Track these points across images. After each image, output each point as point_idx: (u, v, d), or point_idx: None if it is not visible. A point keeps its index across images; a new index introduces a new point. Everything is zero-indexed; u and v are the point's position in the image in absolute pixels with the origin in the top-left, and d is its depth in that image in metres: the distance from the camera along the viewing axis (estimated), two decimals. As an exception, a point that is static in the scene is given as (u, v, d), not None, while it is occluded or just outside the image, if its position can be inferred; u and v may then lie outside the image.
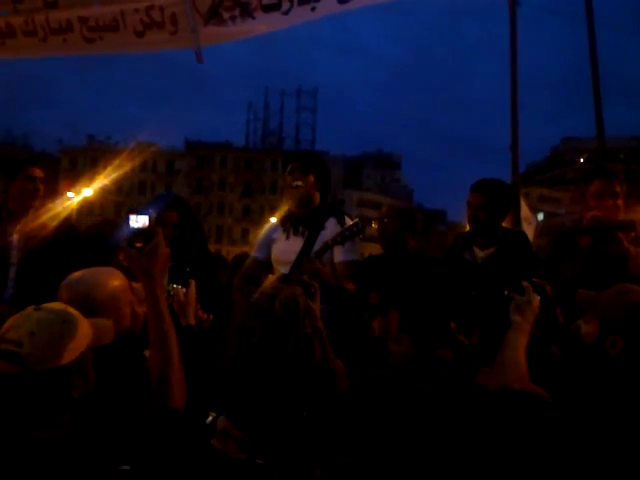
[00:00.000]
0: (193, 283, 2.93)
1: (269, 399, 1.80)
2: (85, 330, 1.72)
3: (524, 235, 3.78)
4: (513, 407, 1.97)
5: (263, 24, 4.09)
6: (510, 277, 2.29)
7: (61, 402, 1.65)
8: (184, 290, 2.89)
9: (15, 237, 3.87)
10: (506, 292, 2.23)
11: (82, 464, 1.55)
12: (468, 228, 3.64)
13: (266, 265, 3.85)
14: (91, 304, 2.21)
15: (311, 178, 3.71)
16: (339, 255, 3.54)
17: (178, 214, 3.72)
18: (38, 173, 3.97)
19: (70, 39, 4.29)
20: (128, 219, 1.99)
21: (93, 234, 3.93)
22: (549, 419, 1.97)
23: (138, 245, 1.97)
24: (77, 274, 2.35)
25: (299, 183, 3.68)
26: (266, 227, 4.02)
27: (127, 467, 1.69)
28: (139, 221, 1.99)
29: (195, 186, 66.35)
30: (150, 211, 2.04)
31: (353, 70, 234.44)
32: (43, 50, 4.49)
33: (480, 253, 3.49)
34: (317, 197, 3.76)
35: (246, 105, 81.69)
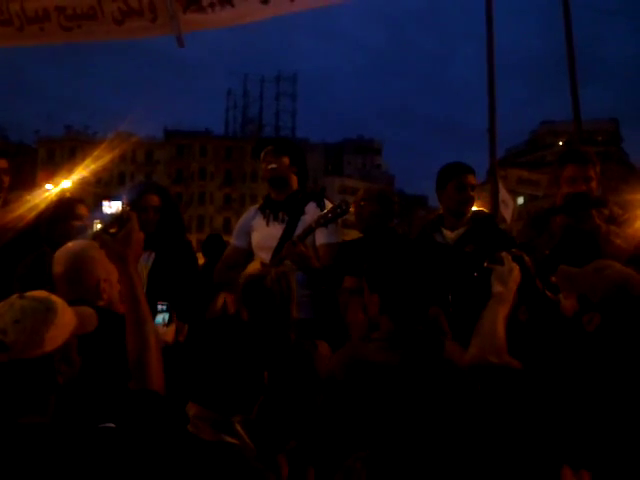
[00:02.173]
0: (173, 328, 2.88)
1: (229, 365, 1.80)
2: (68, 318, 1.73)
3: (491, 215, 3.88)
4: (489, 380, 2.01)
5: (243, 12, 4.08)
6: (485, 253, 2.32)
7: (46, 388, 1.67)
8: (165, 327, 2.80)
9: None
10: (485, 264, 2.25)
11: (67, 449, 1.56)
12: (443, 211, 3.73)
13: (246, 252, 3.84)
14: (83, 268, 2.46)
15: (285, 160, 3.71)
16: (321, 238, 3.54)
17: (160, 198, 3.71)
18: (2, 164, 3.89)
19: (47, 28, 4.23)
20: (101, 205, 1.99)
21: (55, 215, 3.80)
22: (524, 393, 2.01)
23: (112, 231, 1.99)
24: (69, 244, 2.59)
25: (273, 165, 3.69)
26: (244, 214, 4.02)
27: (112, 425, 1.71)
28: (112, 207, 2.00)
29: (175, 176, 65.83)
30: (123, 197, 2.06)
31: (332, 56, 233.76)
32: (20, 39, 4.43)
33: (451, 234, 3.58)
34: (294, 181, 3.76)
35: (225, 93, 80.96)
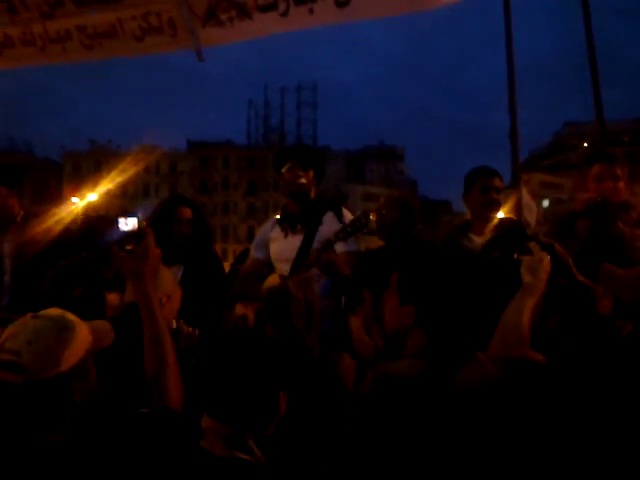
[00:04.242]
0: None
1: (246, 381, 1.77)
2: (83, 336, 1.73)
3: (518, 221, 3.86)
4: (509, 375, 1.95)
5: (262, 25, 4.09)
6: (513, 259, 2.27)
7: (62, 408, 1.67)
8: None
9: (6, 245, 3.85)
10: (515, 255, 2.18)
11: (85, 467, 1.57)
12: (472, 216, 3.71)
13: (265, 264, 3.84)
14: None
15: (311, 173, 3.68)
16: (341, 246, 3.46)
17: (192, 211, 3.75)
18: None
19: (69, 47, 4.32)
20: (117, 222, 2.00)
21: (86, 231, 3.90)
22: (544, 388, 1.95)
23: (128, 248, 1.99)
24: None
25: (303, 181, 3.65)
26: (263, 226, 4.02)
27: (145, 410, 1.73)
28: (129, 224, 2.01)
29: (199, 186, 66.38)
30: (138, 214, 2.06)
31: (352, 64, 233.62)
32: (42, 58, 4.52)
33: (478, 239, 3.54)
34: (314, 191, 3.73)
35: (246, 103, 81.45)
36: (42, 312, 1.75)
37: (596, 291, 2.30)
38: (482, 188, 3.63)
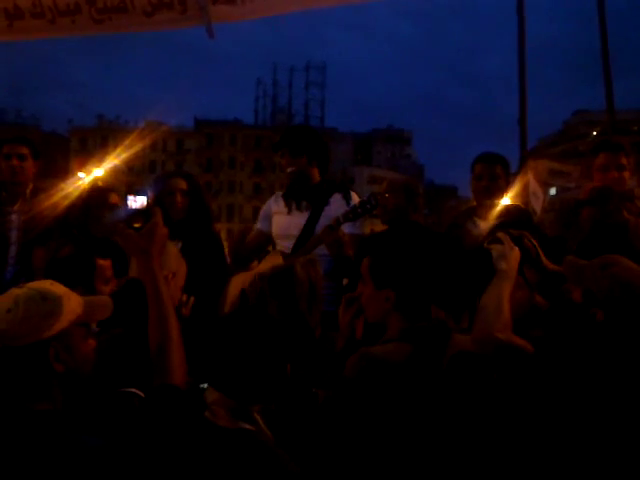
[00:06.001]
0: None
1: (252, 356, 1.81)
2: (70, 307, 1.74)
3: (524, 208, 3.87)
4: (498, 358, 1.99)
5: (272, 4, 4.07)
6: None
7: (43, 375, 1.68)
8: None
9: (14, 217, 3.88)
10: (485, 245, 2.24)
11: (76, 436, 1.58)
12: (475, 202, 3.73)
13: (269, 237, 3.84)
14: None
15: (303, 160, 3.67)
16: (347, 228, 3.45)
17: (187, 183, 3.72)
18: (21, 150, 3.93)
19: (79, 20, 4.29)
20: (126, 199, 2.01)
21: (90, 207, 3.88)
22: (531, 372, 1.98)
23: (136, 225, 2.02)
24: None
25: (292, 169, 3.67)
26: (268, 200, 4.01)
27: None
28: (137, 201, 2.03)
29: (205, 165, 66.36)
30: (148, 192, 2.08)
31: (363, 45, 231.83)
32: (52, 31, 4.49)
33: (483, 224, 3.56)
34: (316, 173, 3.72)
35: (255, 82, 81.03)
36: (30, 283, 1.78)
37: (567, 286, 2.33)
38: (476, 175, 3.68)
